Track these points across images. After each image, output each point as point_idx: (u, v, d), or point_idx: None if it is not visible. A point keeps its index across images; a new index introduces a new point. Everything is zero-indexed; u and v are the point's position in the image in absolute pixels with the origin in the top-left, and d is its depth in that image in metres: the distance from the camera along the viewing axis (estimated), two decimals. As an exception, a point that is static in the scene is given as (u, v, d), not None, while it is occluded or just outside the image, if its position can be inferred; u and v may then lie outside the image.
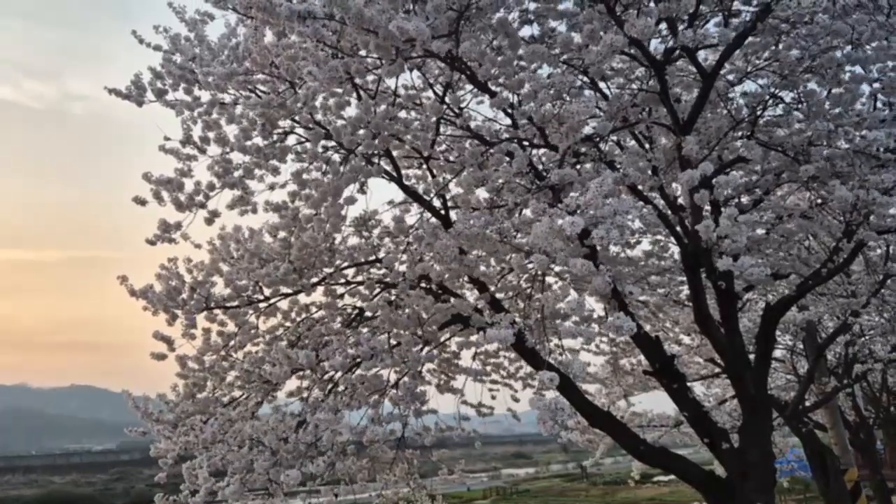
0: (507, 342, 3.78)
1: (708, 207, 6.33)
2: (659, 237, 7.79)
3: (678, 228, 5.69)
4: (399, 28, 3.78)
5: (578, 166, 5.25)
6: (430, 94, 6.38)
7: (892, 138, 4.92)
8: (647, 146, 6.32)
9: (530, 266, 4.35)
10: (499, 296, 7.10)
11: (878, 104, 5.84)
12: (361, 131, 5.06)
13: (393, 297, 6.61)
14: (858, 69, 5.21)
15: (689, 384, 9.69)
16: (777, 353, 15.37)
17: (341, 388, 6.57)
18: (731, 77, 6.04)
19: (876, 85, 5.63)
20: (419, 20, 3.88)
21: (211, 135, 5.94)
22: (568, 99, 4.39)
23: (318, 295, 7.00)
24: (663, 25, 5.50)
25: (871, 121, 5.02)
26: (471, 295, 7.30)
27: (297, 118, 5.82)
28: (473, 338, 6.36)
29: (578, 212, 3.51)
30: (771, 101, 5.73)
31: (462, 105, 5.90)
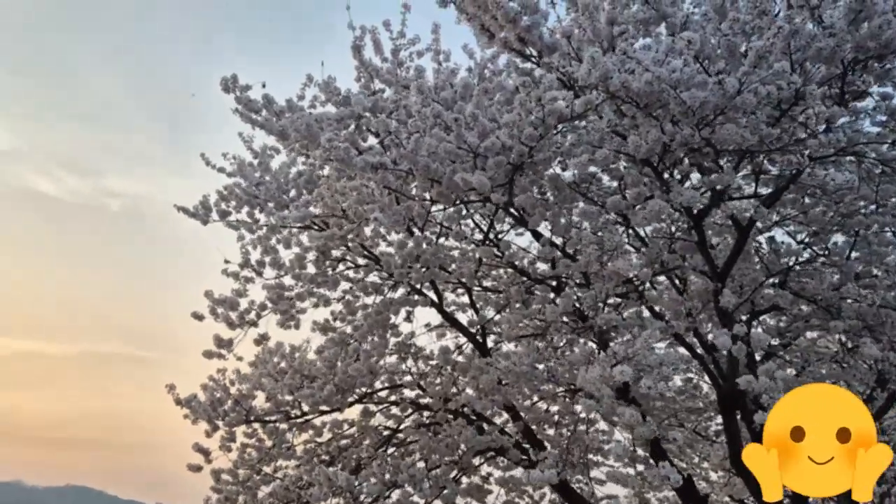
0: (552, 482, 3.89)
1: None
2: (690, 375, 7.85)
3: (713, 369, 5.81)
4: (463, 180, 4.16)
5: (620, 307, 5.47)
6: (469, 221, 6.74)
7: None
8: (682, 289, 6.53)
9: (578, 408, 4.50)
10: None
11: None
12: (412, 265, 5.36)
13: (427, 421, 6.69)
14: (887, 229, 5.48)
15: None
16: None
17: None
18: (760, 225, 6.32)
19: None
20: (480, 173, 4.25)
21: (267, 259, 6.32)
22: (611, 254, 4.67)
23: (350, 412, 7.13)
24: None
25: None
26: (499, 419, 7.36)
27: (349, 246, 6.20)
28: (515, 472, 6.41)
29: (625, 360, 3.71)
30: (801, 252, 5.98)
31: (504, 238, 6.22)
